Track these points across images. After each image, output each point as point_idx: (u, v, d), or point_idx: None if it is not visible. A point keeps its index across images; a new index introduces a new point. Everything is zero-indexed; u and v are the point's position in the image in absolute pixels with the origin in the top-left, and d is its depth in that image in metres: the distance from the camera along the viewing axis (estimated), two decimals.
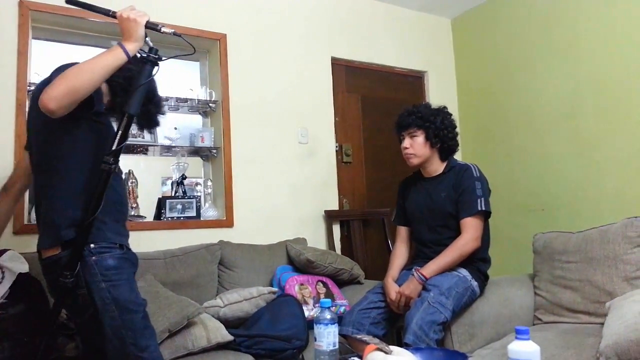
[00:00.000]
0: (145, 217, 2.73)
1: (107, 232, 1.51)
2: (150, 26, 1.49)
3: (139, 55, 1.49)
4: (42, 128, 1.54)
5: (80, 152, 1.51)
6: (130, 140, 2.63)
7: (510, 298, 2.28)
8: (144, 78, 1.48)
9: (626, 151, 2.79)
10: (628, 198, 2.74)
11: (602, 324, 1.79)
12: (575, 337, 1.88)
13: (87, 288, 1.45)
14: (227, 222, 2.90)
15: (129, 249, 1.58)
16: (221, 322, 2.14)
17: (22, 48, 2.45)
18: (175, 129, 2.98)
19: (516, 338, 1.33)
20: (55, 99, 1.34)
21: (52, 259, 1.50)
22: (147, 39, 1.48)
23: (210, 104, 3.05)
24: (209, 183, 3.05)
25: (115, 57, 1.43)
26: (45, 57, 2.69)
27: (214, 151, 3.02)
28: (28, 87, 2.43)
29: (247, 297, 2.28)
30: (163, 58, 1.52)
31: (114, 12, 1.49)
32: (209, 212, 2.90)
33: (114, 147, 1.44)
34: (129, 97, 1.47)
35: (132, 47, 1.45)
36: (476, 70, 3.80)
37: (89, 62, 1.41)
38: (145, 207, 2.78)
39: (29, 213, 2.40)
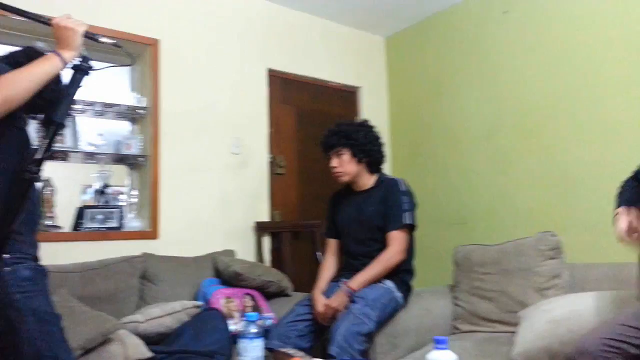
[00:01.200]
0: (62, 228, 2.59)
1: (22, 243, 1.42)
2: (89, 36, 1.47)
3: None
4: None
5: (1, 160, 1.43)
6: None
7: (431, 308, 2.35)
8: (73, 86, 1.44)
9: (540, 170, 2.97)
10: (540, 213, 2.91)
11: (515, 332, 1.88)
12: (491, 345, 1.96)
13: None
14: (152, 233, 2.81)
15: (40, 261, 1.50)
16: (141, 338, 2.04)
17: None
18: (100, 135, 2.86)
19: (435, 347, 1.37)
20: None
21: None
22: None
23: (139, 111, 2.95)
24: (134, 192, 2.94)
25: (52, 66, 1.39)
26: None
27: (141, 159, 2.92)
28: None
29: (170, 311, 2.20)
30: (95, 68, 1.50)
31: (50, 19, 1.45)
32: (133, 222, 2.79)
33: (39, 156, 1.37)
34: (57, 104, 1.42)
35: (69, 56, 1.42)
36: (407, 88, 3.93)
37: (25, 71, 1.36)
38: (64, 217, 2.63)
39: None
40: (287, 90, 3.60)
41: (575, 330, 1.61)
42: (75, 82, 1.45)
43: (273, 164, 3.42)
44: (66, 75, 1.46)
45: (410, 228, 2.32)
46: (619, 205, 1.60)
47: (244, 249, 3.08)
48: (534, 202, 2.98)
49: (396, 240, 2.25)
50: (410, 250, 2.33)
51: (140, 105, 2.94)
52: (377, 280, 2.23)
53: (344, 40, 3.91)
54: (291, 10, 3.61)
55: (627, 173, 1.72)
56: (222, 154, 3.16)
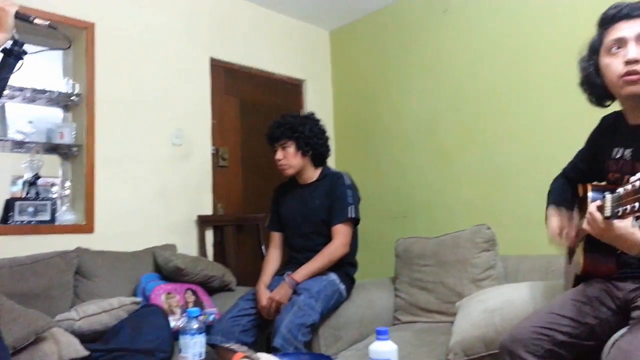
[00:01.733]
0: None
1: None
2: (21, 17, 1.39)
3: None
4: None
5: None
6: None
7: (374, 300, 2.41)
8: (5, 71, 1.37)
9: (478, 164, 3.10)
10: (478, 207, 3.04)
11: (452, 322, 1.96)
12: (429, 335, 2.04)
13: None
14: (87, 227, 2.68)
15: None
16: (76, 336, 1.95)
17: None
18: (30, 122, 2.69)
19: (377, 338, 1.40)
20: None
21: None
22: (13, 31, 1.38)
23: (72, 98, 2.80)
24: (67, 184, 2.79)
25: None
26: None
27: (75, 149, 2.78)
28: None
29: (107, 308, 2.12)
30: (29, 52, 1.41)
31: None
32: (66, 216, 2.66)
33: None
34: None
35: (1, 38, 1.34)
36: (352, 82, 3.97)
37: None
38: None
39: None
40: (231, 80, 3.53)
41: (508, 319, 1.70)
42: (6, 67, 1.38)
43: (216, 155, 3.35)
44: None
45: (355, 222, 2.35)
46: (549, 205, 1.69)
47: (186, 243, 3.01)
48: (471, 196, 3.10)
49: (341, 233, 2.28)
50: (354, 243, 2.36)
51: (73, 92, 2.80)
52: (321, 273, 2.25)
53: (289, 32, 3.88)
54: None
55: (557, 169, 1.82)
56: (162, 145, 3.06)
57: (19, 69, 1.42)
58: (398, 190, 3.52)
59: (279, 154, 2.38)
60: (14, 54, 1.39)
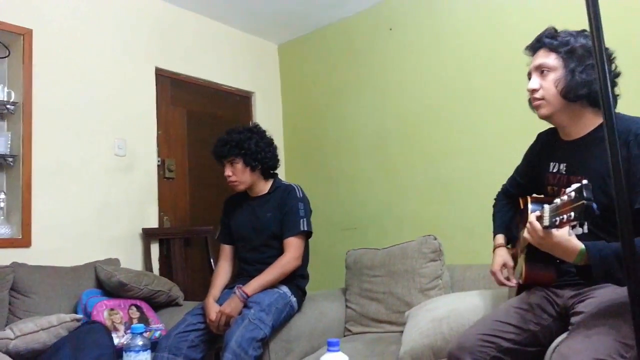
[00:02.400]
0: None
1: None
2: None
3: None
4: None
5: None
6: None
7: (325, 312, 2.41)
8: None
9: (425, 178, 3.19)
10: (425, 218, 3.13)
11: (402, 332, 2.00)
12: (380, 345, 2.06)
13: None
14: (23, 241, 2.53)
15: None
16: (11, 356, 1.84)
17: None
18: None
19: (328, 350, 1.41)
20: None
21: None
22: None
23: (8, 106, 2.66)
24: (2, 196, 2.63)
25: None
26: None
27: (10, 159, 2.63)
28: None
29: (45, 326, 2.00)
30: None
31: None
32: (1, 229, 2.51)
33: None
34: None
35: None
36: (300, 95, 4.00)
37: None
38: None
39: None
40: (177, 91, 3.47)
41: (456, 327, 1.75)
42: None
43: (162, 167, 3.27)
44: None
45: (307, 234, 2.35)
46: (494, 231, 1.80)
47: (130, 257, 2.90)
48: (418, 207, 3.19)
49: (293, 246, 2.28)
50: (305, 255, 2.37)
51: (9, 100, 2.66)
52: (272, 285, 2.24)
53: (237, 44, 3.87)
54: (182, 9, 3.49)
55: (498, 182, 1.91)
56: (104, 156, 2.95)
57: None
58: (348, 202, 3.56)
59: (228, 171, 2.36)
60: None
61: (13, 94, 2.68)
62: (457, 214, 2.97)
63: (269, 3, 3.48)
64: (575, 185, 1.15)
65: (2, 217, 2.59)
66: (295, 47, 4.07)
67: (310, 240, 2.41)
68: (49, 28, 2.77)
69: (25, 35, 2.67)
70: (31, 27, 2.70)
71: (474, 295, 1.91)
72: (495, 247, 1.77)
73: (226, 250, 2.48)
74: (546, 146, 1.67)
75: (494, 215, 1.87)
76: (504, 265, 1.69)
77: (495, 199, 1.91)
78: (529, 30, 1.61)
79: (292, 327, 2.22)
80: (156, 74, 3.30)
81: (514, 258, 1.71)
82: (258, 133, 2.41)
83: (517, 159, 1.82)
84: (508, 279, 1.67)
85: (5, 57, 1.39)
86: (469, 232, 2.84)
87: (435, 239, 2.41)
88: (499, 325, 1.51)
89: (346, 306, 2.47)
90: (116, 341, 2.13)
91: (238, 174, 2.34)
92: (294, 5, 3.54)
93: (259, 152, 2.35)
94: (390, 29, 3.45)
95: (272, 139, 2.46)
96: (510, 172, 1.87)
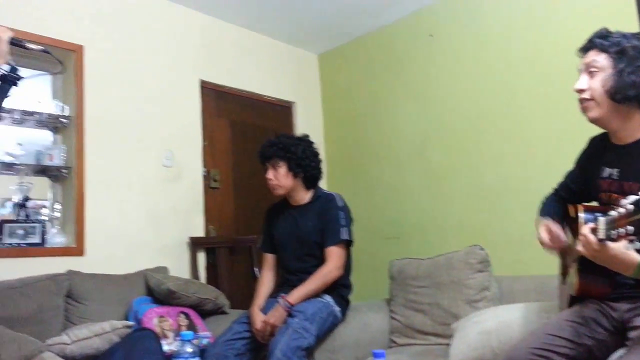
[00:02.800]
0: None
1: None
2: (16, 42, 1.43)
3: None
4: None
5: None
6: None
7: (369, 322, 2.39)
8: (0, 97, 1.39)
9: (468, 185, 3.14)
10: (470, 227, 3.07)
11: (449, 344, 1.97)
12: (426, 358, 2.03)
13: None
14: (77, 249, 2.64)
15: None
16: None
17: None
18: (19, 144, 2.67)
19: None
20: None
21: None
22: (8, 57, 1.43)
23: (62, 119, 2.79)
24: (57, 206, 2.76)
25: None
26: None
27: (65, 171, 2.75)
28: None
29: (99, 332, 2.08)
30: (23, 77, 1.43)
31: None
32: (56, 238, 2.62)
33: None
34: None
35: None
36: (341, 104, 4.02)
37: None
38: None
39: None
40: (221, 102, 3.55)
41: (505, 340, 1.71)
42: (1, 93, 1.40)
43: (207, 177, 3.35)
44: None
45: (348, 243, 2.35)
46: (541, 215, 1.72)
47: (178, 265, 2.97)
48: (462, 216, 3.13)
49: (334, 255, 2.28)
50: (347, 265, 2.36)
51: (63, 114, 2.79)
52: (316, 295, 2.24)
53: (278, 55, 3.93)
54: (225, 23, 3.58)
55: (547, 188, 1.85)
56: (153, 167, 3.05)
57: (10, 95, 1.45)
58: (390, 211, 3.54)
59: (270, 173, 2.38)
60: (9, 80, 1.41)
61: (67, 108, 2.80)
62: (504, 223, 2.90)
63: (309, 14, 3.53)
64: (633, 197, 1.10)
65: (58, 227, 2.71)
66: (335, 57, 4.10)
67: (352, 249, 2.40)
68: (99, 44, 2.90)
69: (77, 51, 2.80)
70: (82, 43, 2.82)
71: (523, 308, 1.86)
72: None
73: (269, 259, 2.50)
74: (598, 151, 1.62)
75: (541, 206, 1.78)
76: (549, 231, 1.59)
77: (545, 197, 1.84)
78: (576, 34, 1.57)
79: (336, 337, 2.22)
80: (201, 87, 3.39)
81: (564, 271, 1.65)
82: (306, 142, 2.44)
83: (566, 165, 1.76)
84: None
85: (58, 72, 1.51)
86: (517, 242, 2.76)
87: (482, 249, 2.35)
88: (552, 339, 1.46)
89: (390, 317, 2.44)
90: (165, 348, 2.18)
91: (279, 178, 2.36)
92: (334, 15, 3.56)
93: (304, 159, 2.37)
94: (431, 35, 3.42)
95: (318, 152, 2.47)
96: (559, 178, 1.81)
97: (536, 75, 2.86)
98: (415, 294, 2.39)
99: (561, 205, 1.74)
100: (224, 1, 3.33)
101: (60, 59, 1.55)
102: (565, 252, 1.69)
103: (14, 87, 1.44)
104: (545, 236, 1.60)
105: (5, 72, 1.41)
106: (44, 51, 1.52)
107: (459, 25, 3.27)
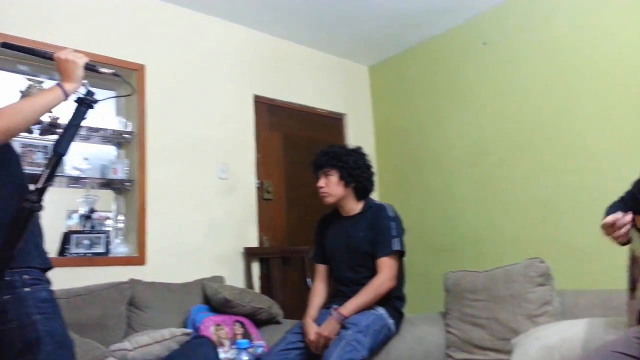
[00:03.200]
0: (47, 253, 2.52)
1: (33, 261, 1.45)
2: (89, 67, 1.51)
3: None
4: None
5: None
6: (34, 170, 2.45)
7: (424, 336, 2.34)
8: (77, 119, 1.46)
9: (524, 197, 3.04)
10: (527, 239, 2.97)
11: None
12: None
13: (17, 321, 1.33)
14: (139, 259, 2.76)
15: None
16: None
17: None
18: (86, 159, 2.82)
19: None
20: None
21: None
22: (84, 81, 1.50)
23: (125, 135, 2.93)
24: (121, 217, 2.89)
25: (53, 98, 1.43)
26: None
27: (128, 184, 2.89)
28: None
29: (159, 339, 2.15)
30: (99, 100, 1.51)
31: (52, 54, 1.49)
32: (120, 248, 2.75)
33: (40, 185, 1.36)
34: (61, 136, 1.43)
35: (71, 88, 1.46)
36: (392, 115, 4.00)
37: (28, 102, 1.42)
38: (48, 242, 2.54)
39: None
40: (273, 116, 3.62)
41: (568, 357, 1.63)
42: (79, 115, 1.49)
43: (261, 189, 3.42)
44: (71, 108, 1.48)
45: (400, 254, 2.32)
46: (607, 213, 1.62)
47: (233, 275, 3.05)
48: (519, 228, 3.03)
49: (386, 266, 2.25)
50: (400, 276, 2.33)
51: (126, 130, 2.93)
52: (369, 307, 2.22)
53: (328, 68, 3.97)
54: (276, 38, 3.67)
55: (607, 199, 1.76)
56: (209, 179, 3.14)
57: (87, 117, 1.52)
58: (444, 222, 3.48)
59: (322, 182, 2.39)
60: (86, 103, 1.49)
61: (129, 124, 2.95)
62: (564, 236, 2.79)
63: (359, 26, 3.55)
64: None
65: (121, 237, 2.83)
66: (385, 68, 4.09)
67: (405, 260, 2.37)
68: (159, 63, 3.04)
69: (138, 70, 2.95)
70: (144, 62, 2.97)
71: (588, 323, 1.77)
72: None
73: (321, 269, 2.50)
74: None
75: (606, 210, 1.68)
76: (616, 219, 1.49)
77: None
78: (633, 40, 1.50)
79: (390, 351, 2.19)
80: (254, 101, 3.48)
81: (633, 285, 1.56)
82: (358, 153, 2.44)
83: (631, 174, 1.68)
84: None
85: (130, 94, 1.56)
86: (580, 255, 2.65)
87: (543, 262, 2.25)
88: (618, 357, 1.39)
89: (446, 331, 2.38)
90: (222, 356, 2.23)
91: (331, 186, 2.37)
92: (384, 28, 3.57)
93: (356, 169, 2.37)
94: (485, 43, 3.36)
95: (370, 164, 2.47)
96: (622, 188, 1.72)
97: (595, 82, 2.75)
98: (472, 308, 2.32)
99: (628, 209, 1.65)
100: (276, 18, 3.41)
101: (132, 83, 1.61)
102: (633, 264, 1.60)
103: (90, 109, 1.52)
104: (611, 219, 1.50)
105: (83, 96, 1.50)
106: (114, 74, 1.59)
107: (513, 33, 3.19)
